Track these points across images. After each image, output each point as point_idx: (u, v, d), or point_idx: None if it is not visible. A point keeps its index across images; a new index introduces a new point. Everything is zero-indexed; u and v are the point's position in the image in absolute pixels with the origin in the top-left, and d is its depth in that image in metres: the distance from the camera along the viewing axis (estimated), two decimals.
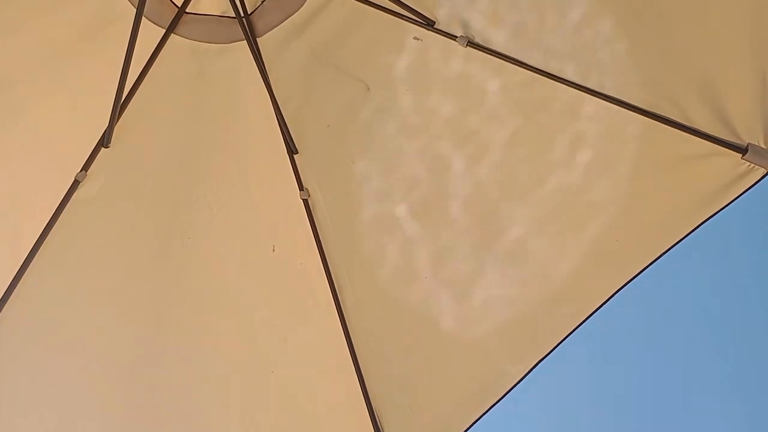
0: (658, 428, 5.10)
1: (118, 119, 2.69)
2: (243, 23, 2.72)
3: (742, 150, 2.38)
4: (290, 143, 2.84)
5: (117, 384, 2.89)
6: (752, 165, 2.39)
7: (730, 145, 2.40)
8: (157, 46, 2.75)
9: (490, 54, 2.64)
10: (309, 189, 2.87)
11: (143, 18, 2.48)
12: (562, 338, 2.71)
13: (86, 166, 2.74)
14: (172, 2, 2.79)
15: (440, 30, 2.68)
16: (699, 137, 2.43)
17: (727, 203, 2.46)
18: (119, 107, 2.65)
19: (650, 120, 2.49)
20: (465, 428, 2.83)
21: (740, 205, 2.47)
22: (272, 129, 2.82)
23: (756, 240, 4.81)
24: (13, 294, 2.71)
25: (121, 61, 2.52)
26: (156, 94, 2.76)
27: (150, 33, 2.70)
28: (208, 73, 2.83)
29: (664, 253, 2.58)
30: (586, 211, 2.71)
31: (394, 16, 2.70)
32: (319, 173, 2.87)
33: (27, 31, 2.66)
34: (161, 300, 2.90)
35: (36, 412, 2.85)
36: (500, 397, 2.79)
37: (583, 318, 2.71)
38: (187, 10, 2.79)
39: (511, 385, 2.77)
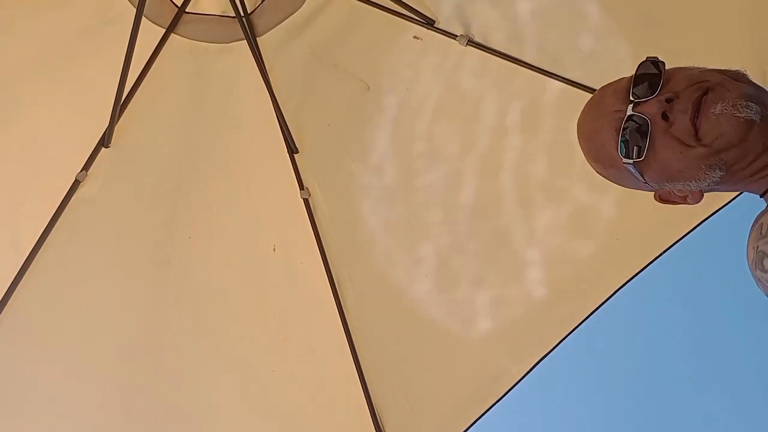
0: (658, 428, 5.11)
1: (119, 119, 2.69)
2: (243, 23, 2.72)
3: None
4: (290, 142, 2.83)
5: (117, 383, 2.89)
6: None
7: None
8: (157, 46, 2.74)
9: (490, 53, 2.64)
10: (309, 188, 2.87)
11: (143, 18, 2.47)
12: (562, 338, 2.72)
13: (87, 166, 2.74)
14: (172, 2, 2.78)
15: (440, 29, 2.67)
16: None
17: (726, 202, 2.45)
18: (119, 107, 2.65)
19: None
20: (466, 427, 2.84)
21: (739, 205, 2.47)
22: (272, 128, 2.81)
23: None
24: (14, 294, 2.71)
25: (121, 60, 2.52)
26: (156, 93, 2.76)
27: (150, 33, 2.70)
28: (208, 73, 2.83)
29: (664, 252, 2.58)
30: (586, 210, 2.71)
31: (395, 15, 2.70)
32: (319, 172, 2.87)
33: (26, 31, 2.66)
34: (161, 299, 2.90)
35: (36, 412, 2.85)
36: (500, 396, 2.79)
37: (583, 317, 2.71)
38: (186, 10, 2.79)
39: (512, 385, 2.78)
